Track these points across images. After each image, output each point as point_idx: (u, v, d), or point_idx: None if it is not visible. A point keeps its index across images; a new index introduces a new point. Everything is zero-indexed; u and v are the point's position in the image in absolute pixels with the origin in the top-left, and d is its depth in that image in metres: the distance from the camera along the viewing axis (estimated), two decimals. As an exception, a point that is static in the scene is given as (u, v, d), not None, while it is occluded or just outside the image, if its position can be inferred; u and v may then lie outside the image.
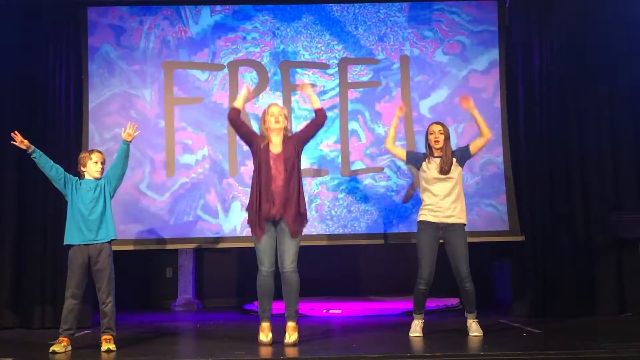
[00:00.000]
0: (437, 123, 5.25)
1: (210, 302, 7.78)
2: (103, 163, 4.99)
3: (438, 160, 5.14)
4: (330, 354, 4.45)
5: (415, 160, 5.29)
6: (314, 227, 6.28)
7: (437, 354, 4.31)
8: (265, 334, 4.82)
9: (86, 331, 5.64)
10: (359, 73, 6.57)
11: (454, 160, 5.15)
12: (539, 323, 5.58)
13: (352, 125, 6.49)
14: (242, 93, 5.08)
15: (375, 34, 6.59)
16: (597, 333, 5.24)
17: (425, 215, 5.13)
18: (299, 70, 6.56)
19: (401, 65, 6.54)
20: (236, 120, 5.01)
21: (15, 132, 4.90)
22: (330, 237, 6.36)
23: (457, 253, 5.06)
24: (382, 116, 6.50)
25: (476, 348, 4.58)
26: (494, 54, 6.54)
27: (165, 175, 6.38)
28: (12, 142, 4.90)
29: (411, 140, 6.41)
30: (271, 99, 6.46)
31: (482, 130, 5.23)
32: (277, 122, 4.92)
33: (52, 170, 4.89)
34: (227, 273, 7.81)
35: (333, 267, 7.41)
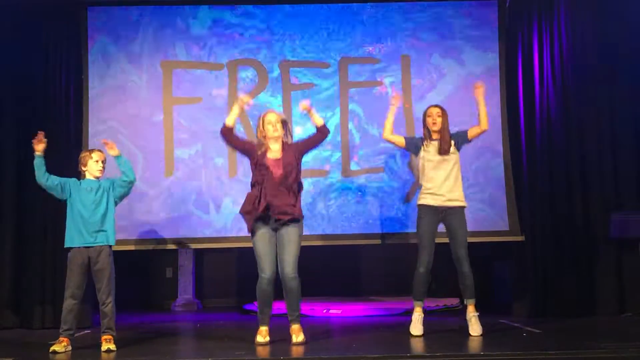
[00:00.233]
0: (435, 105, 5.26)
1: (210, 302, 7.78)
2: (104, 162, 4.98)
3: (436, 142, 5.13)
4: (331, 354, 4.45)
5: (413, 145, 5.27)
6: (313, 227, 6.27)
7: (437, 354, 4.31)
8: (262, 336, 4.83)
9: (86, 331, 5.64)
10: (357, 73, 6.57)
11: (452, 143, 5.14)
12: (539, 323, 5.58)
13: (335, 125, 6.48)
14: (235, 111, 5.02)
15: (373, 35, 6.60)
16: (597, 333, 5.24)
17: (425, 198, 5.13)
18: (298, 69, 6.56)
19: (402, 65, 6.55)
20: (228, 137, 4.98)
21: (41, 132, 4.90)
22: (328, 237, 6.37)
23: (456, 235, 5.08)
24: (377, 117, 6.51)
25: (476, 348, 4.59)
26: (491, 58, 6.54)
27: (158, 170, 6.38)
28: (33, 138, 4.87)
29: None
30: (271, 98, 6.47)
31: (481, 119, 5.20)
32: (275, 130, 4.91)
33: (49, 180, 4.87)
34: (227, 273, 7.81)
35: (333, 267, 7.41)
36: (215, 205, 6.39)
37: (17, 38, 6.27)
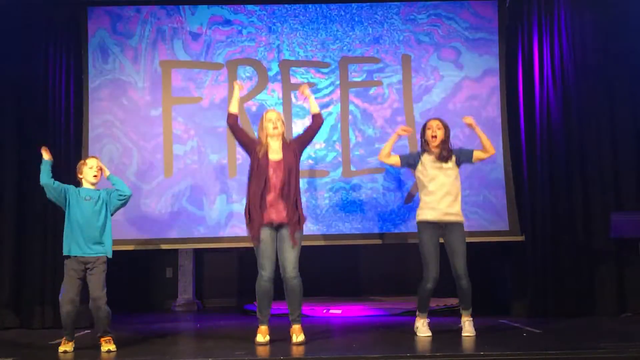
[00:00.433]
0: (435, 119, 5.21)
1: (210, 302, 7.78)
2: (99, 169, 4.98)
3: (435, 152, 5.09)
4: (331, 354, 4.45)
5: (411, 160, 5.24)
6: (312, 228, 6.28)
7: (437, 354, 4.31)
8: (262, 335, 4.83)
9: (86, 331, 5.64)
10: (354, 73, 6.57)
11: (454, 158, 5.12)
12: (539, 323, 5.58)
13: (335, 125, 6.48)
14: (235, 95, 5.05)
15: (372, 35, 6.59)
16: (597, 333, 5.23)
17: (424, 214, 5.10)
18: (298, 69, 6.56)
19: (402, 65, 6.55)
20: (235, 127, 5.02)
21: (45, 148, 4.93)
22: (328, 237, 6.37)
23: (455, 251, 5.05)
24: (373, 117, 6.51)
25: (476, 348, 4.58)
26: (489, 61, 6.54)
27: (152, 166, 6.37)
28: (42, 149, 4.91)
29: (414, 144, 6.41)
30: (270, 98, 6.47)
31: (485, 147, 5.17)
32: (275, 128, 4.92)
33: (55, 183, 4.87)
34: (227, 273, 7.81)
35: (333, 267, 7.40)
36: (209, 202, 6.38)
37: (17, 38, 6.27)
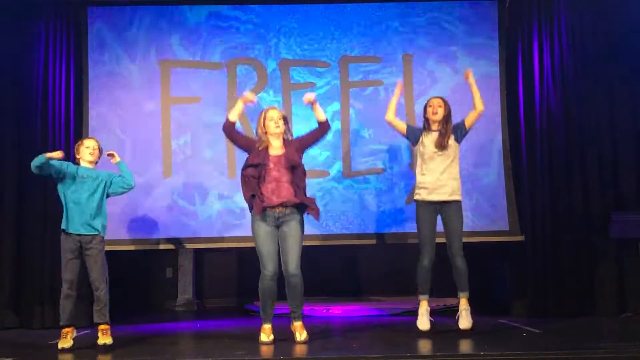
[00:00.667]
0: (437, 97, 5.23)
1: (210, 302, 7.77)
2: (96, 149, 5.01)
3: (435, 134, 5.10)
4: (331, 354, 4.46)
5: (414, 134, 5.25)
6: (312, 228, 6.26)
7: (437, 354, 4.31)
8: (266, 334, 4.84)
9: (86, 331, 5.64)
10: (357, 72, 6.57)
11: (452, 137, 5.11)
12: (539, 323, 5.57)
13: (335, 125, 6.47)
14: (239, 106, 5.02)
15: (369, 36, 6.59)
16: (597, 333, 5.24)
17: (420, 194, 5.11)
18: (298, 68, 6.56)
19: (403, 65, 6.55)
20: (231, 133, 4.99)
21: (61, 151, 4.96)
22: (328, 237, 6.38)
23: (451, 229, 5.07)
24: (367, 118, 6.51)
25: (476, 348, 4.58)
26: (485, 66, 6.53)
27: (146, 160, 6.37)
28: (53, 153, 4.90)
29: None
30: (271, 97, 6.47)
31: (475, 102, 5.18)
32: (277, 126, 4.90)
33: (51, 167, 4.88)
34: (227, 273, 7.80)
35: (333, 267, 7.40)
36: (201, 197, 6.38)
37: (17, 38, 6.27)
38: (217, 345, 4.91)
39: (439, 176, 5.05)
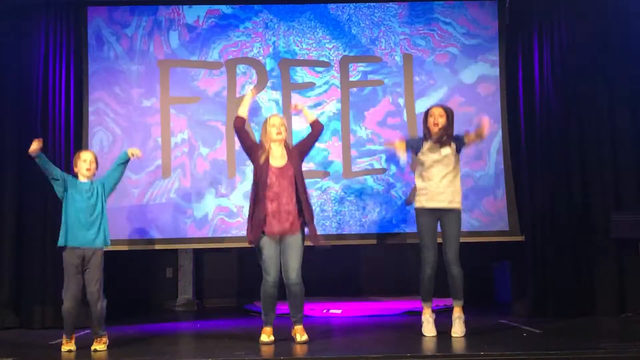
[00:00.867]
0: (438, 106, 5.20)
1: (210, 302, 7.77)
2: (92, 162, 4.97)
3: (435, 139, 5.07)
4: (331, 354, 4.46)
5: (416, 144, 5.21)
6: (320, 228, 6.27)
7: (437, 354, 4.32)
8: (267, 335, 4.85)
9: (86, 331, 5.63)
10: (357, 72, 6.57)
11: (453, 145, 5.08)
12: (539, 323, 5.57)
13: (334, 124, 6.48)
14: (247, 101, 5.05)
15: (368, 37, 6.59)
16: (597, 333, 5.24)
17: (420, 201, 5.10)
18: (298, 68, 6.55)
19: (403, 66, 6.56)
20: (241, 131, 5.01)
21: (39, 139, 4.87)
22: (328, 237, 6.33)
23: (448, 237, 5.04)
24: (366, 118, 6.51)
25: (476, 348, 4.58)
26: (483, 68, 6.54)
27: (146, 159, 6.31)
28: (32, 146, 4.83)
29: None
30: (270, 97, 6.47)
31: (479, 135, 5.12)
32: (279, 133, 4.91)
33: (56, 173, 4.88)
34: (227, 273, 7.80)
35: (333, 267, 7.40)
36: (200, 198, 6.38)
37: (17, 38, 6.26)
38: (217, 345, 4.91)
39: (438, 183, 5.04)
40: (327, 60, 6.57)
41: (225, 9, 6.59)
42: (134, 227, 6.34)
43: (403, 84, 6.55)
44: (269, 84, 6.54)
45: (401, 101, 6.53)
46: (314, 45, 6.59)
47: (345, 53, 6.58)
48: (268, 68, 6.55)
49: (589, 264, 6.16)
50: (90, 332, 4.87)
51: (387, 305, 6.81)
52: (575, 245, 6.15)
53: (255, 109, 5.17)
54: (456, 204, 5.07)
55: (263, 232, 4.82)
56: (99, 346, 4.80)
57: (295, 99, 5.13)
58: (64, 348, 4.77)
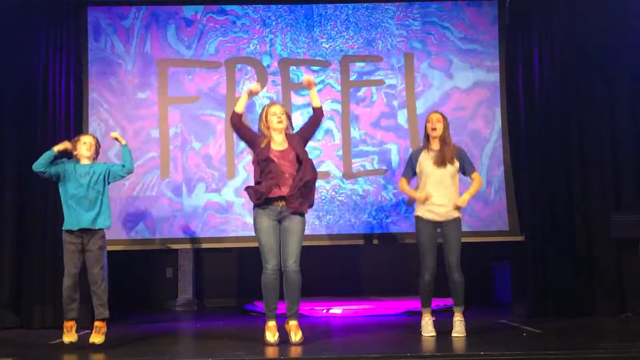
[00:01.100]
0: (436, 112, 5.21)
1: (210, 302, 7.77)
2: (93, 145, 5.03)
3: (434, 153, 5.07)
4: (331, 354, 4.45)
5: (411, 166, 5.21)
6: (312, 228, 6.28)
7: (437, 354, 4.32)
8: (272, 334, 4.76)
9: (86, 331, 5.64)
10: (358, 72, 6.58)
11: (456, 160, 5.08)
12: (539, 323, 5.57)
13: (327, 124, 6.47)
14: (244, 97, 5.01)
15: (365, 38, 6.59)
16: (597, 333, 5.24)
17: (420, 211, 5.09)
18: (298, 68, 6.56)
19: (404, 66, 6.57)
20: (238, 125, 4.95)
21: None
22: (328, 237, 6.38)
23: (450, 245, 5.04)
24: (359, 118, 6.52)
25: (476, 348, 4.57)
26: (479, 74, 6.55)
27: (134, 146, 6.23)
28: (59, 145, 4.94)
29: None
30: (264, 93, 6.47)
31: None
32: (280, 121, 4.87)
33: (59, 167, 4.92)
34: (227, 273, 7.81)
35: (333, 267, 7.41)
36: (200, 198, 6.39)
37: (17, 38, 6.26)
38: (217, 345, 4.91)
39: (438, 197, 5.02)
40: (328, 59, 6.56)
41: (224, 4, 6.59)
42: (136, 229, 6.34)
43: (397, 86, 6.55)
44: (269, 83, 6.53)
45: (395, 103, 6.54)
46: (315, 45, 6.59)
47: (347, 53, 6.58)
48: (268, 68, 6.55)
49: (589, 264, 6.16)
50: (95, 313, 4.88)
51: (387, 305, 6.81)
52: (575, 245, 6.15)
53: (249, 105, 5.14)
54: (456, 213, 5.07)
55: (261, 211, 4.76)
56: (97, 338, 4.80)
57: (310, 77, 5.04)
58: (65, 339, 4.79)
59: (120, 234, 6.25)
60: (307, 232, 6.14)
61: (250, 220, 5.13)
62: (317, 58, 6.58)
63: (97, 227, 4.90)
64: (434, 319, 5.12)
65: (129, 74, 6.50)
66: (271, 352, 4.59)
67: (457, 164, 5.10)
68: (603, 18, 6.37)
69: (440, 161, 5.04)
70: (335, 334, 5.49)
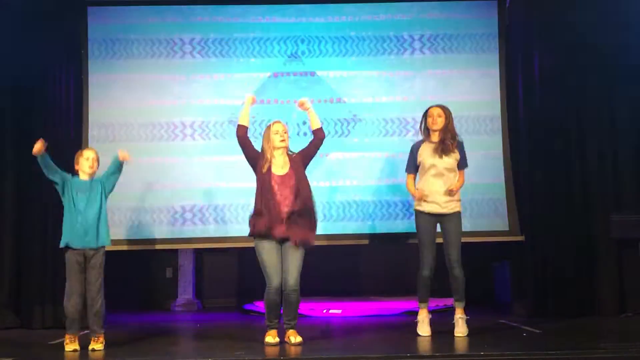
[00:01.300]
0: (437, 106, 5.16)
1: (210, 302, 7.77)
2: (95, 161, 4.97)
3: (434, 145, 5.06)
4: (331, 354, 4.46)
5: (414, 159, 5.19)
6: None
7: (437, 354, 4.32)
8: (272, 336, 4.82)
9: (86, 331, 5.63)
10: (358, 77, 6.59)
11: (456, 151, 5.07)
12: (539, 323, 5.57)
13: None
14: (246, 109, 5.01)
15: (369, 38, 6.59)
16: (597, 333, 5.24)
17: (420, 205, 5.08)
18: (299, 73, 6.57)
19: (402, 66, 6.57)
20: (244, 139, 4.97)
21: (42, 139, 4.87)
22: (327, 237, 6.36)
23: (450, 239, 5.04)
24: (379, 117, 6.51)
25: (476, 348, 4.58)
26: (485, 66, 6.55)
27: (146, 159, 6.34)
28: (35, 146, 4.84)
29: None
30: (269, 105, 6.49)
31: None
32: (282, 140, 4.88)
33: (56, 177, 4.88)
34: (227, 273, 7.80)
35: (333, 267, 7.40)
36: (200, 198, 6.39)
37: (17, 37, 6.26)
38: (217, 345, 4.91)
39: (438, 189, 5.02)
40: (325, 68, 6.56)
41: (227, 9, 6.58)
42: (136, 229, 6.36)
43: (387, 96, 6.54)
44: (269, 89, 6.53)
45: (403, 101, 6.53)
46: (314, 51, 6.57)
47: (344, 57, 6.57)
48: (267, 75, 6.52)
49: (589, 264, 6.16)
50: (89, 331, 4.86)
51: (387, 305, 6.82)
52: (575, 245, 6.15)
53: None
54: (456, 207, 5.07)
55: (264, 234, 4.79)
56: (97, 345, 4.80)
57: (304, 100, 5.05)
58: (69, 347, 4.77)
59: (121, 234, 6.25)
60: (322, 232, 6.21)
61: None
62: (320, 68, 6.55)
63: (98, 246, 4.87)
64: (430, 316, 5.11)
65: (135, 87, 6.49)
66: (271, 352, 4.59)
67: (457, 154, 5.08)
68: (603, 17, 6.37)
69: (441, 151, 5.02)
70: (335, 334, 5.49)
